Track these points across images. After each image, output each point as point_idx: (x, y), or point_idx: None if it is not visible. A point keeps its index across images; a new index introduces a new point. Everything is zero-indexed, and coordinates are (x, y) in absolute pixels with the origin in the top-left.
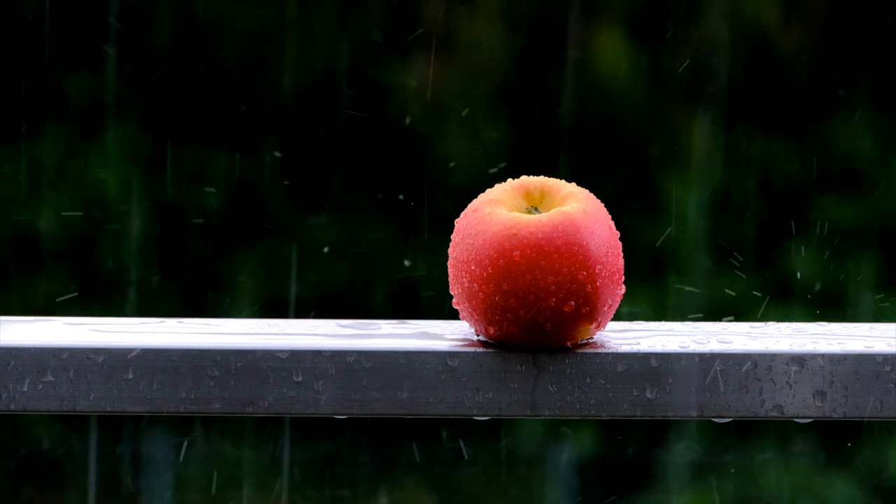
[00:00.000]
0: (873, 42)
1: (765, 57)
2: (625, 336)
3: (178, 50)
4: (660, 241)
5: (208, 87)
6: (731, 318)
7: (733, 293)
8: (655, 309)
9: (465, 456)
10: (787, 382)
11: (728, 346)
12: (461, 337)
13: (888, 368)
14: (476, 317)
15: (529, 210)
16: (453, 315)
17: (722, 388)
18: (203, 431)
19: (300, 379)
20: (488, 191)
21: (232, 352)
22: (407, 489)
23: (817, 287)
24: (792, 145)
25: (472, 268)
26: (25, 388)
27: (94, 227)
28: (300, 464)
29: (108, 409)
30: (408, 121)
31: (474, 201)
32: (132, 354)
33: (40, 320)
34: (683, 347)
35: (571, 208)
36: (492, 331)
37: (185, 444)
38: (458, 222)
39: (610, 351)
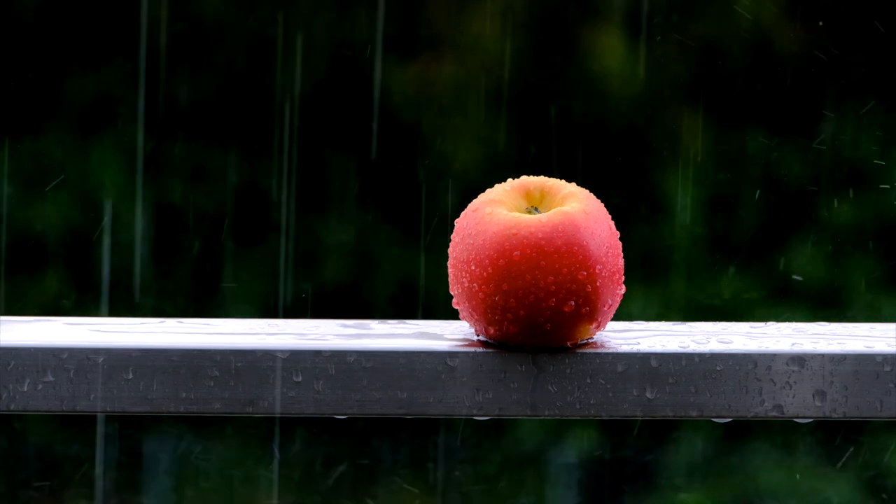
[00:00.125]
0: (874, 41)
1: (765, 56)
2: (625, 336)
3: (178, 50)
4: (659, 241)
5: (208, 87)
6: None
7: (733, 293)
8: (655, 309)
9: (465, 456)
10: (787, 382)
11: (728, 346)
12: (461, 337)
13: (888, 368)
14: (476, 317)
15: (529, 210)
16: (453, 315)
17: (722, 388)
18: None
19: (300, 379)
20: (488, 191)
21: (232, 352)
22: (405, 489)
23: (817, 287)
24: (792, 145)
25: (472, 268)
26: (25, 388)
27: (94, 227)
28: (299, 463)
29: (108, 409)
30: (408, 120)
31: (474, 201)
32: (132, 354)
33: (40, 320)
34: (683, 347)
35: (571, 208)
36: (492, 331)
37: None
38: (458, 222)
39: (610, 351)
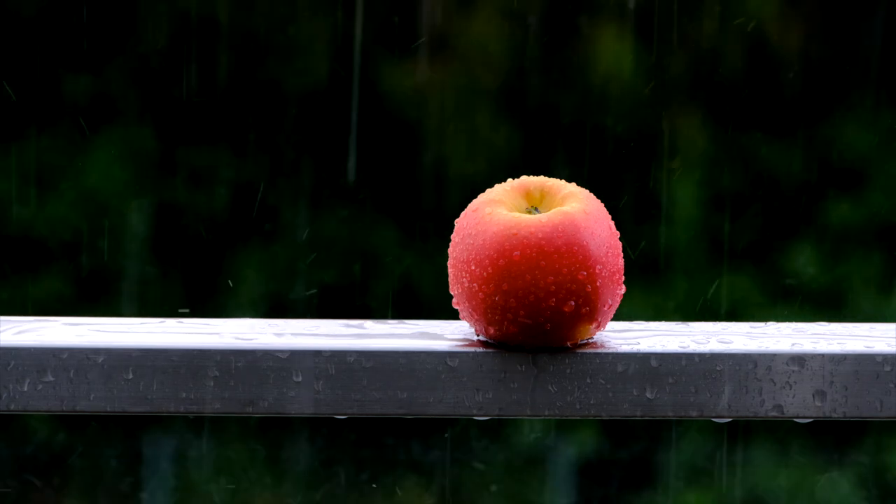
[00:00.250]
0: (873, 41)
1: (765, 56)
2: (625, 336)
3: (178, 50)
4: (659, 242)
5: (208, 87)
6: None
7: (733, 293)
8: (655, 309)
9: (465, 456)
10: (787, 382)
11: (728, 346)
12: (461, 337)
13: (888, 368)
14: (476, 317)
15: (529, 210)
16: (453, 315)
17: (722, 388)
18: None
19: (300, 379)
20: (488, 191)
21: (232, 352)
22: (406, 489)
23: (817, 287)
24: (792, 145)
25: (472, 268)
26: (25, 388)
27: (94, 227)
28: (299, 463)
29: (108, 409)
30: (408, 120)
31: (474, 201)
32: (132, 354)
33: (40, 320)
34: (683, 347)
35: (571, 208)
36: (492, 331)
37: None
38: (458, 222)
39: (610, 351)
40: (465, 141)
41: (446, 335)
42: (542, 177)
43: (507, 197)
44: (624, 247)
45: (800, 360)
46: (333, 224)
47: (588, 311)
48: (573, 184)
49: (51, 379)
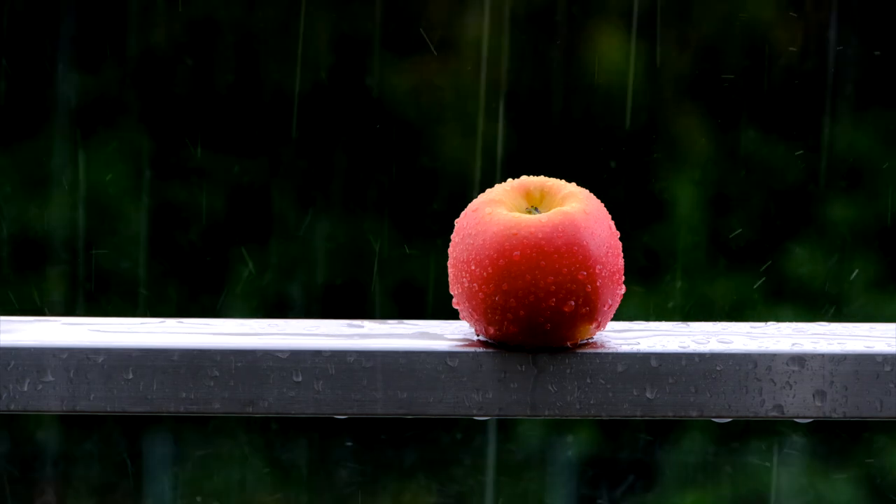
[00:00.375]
0: (873, 40)
1: (765, 56)
2: (625, 336)
3: (178, 50)
4: (659, 242)
5: (208, 86)
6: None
7: (733, 293)
8: (655, 309)
9: (465, 456)
10: (787, 382)
11: (728, 346)
12: (461, 337)
13: (888, 368)
14: (476, 317)
15: (529, 210)
16: (453, 315)
17: (722, 388)
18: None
19: (300, 379)
20: (488, 191)
21: (232, 352)
22: (407, 489)
23: (817, 287)
24: (792, 145)
25: (472, 268)
26: (25, 388)
27: (93, 227)
28: (299, 463)
29: (108, 409)
30: (407, 120)
31: (474, 201)
32: (132, 354)
33: (40, 320)
34: (683, 347)
35: (571, 208)
36: (492, 331)
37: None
38: (458, 222)
39: (610, 351)
40: (465, 141)
41: (446, 335)
42: (542, 177)
43: (507, 197)
44: (624, 247)
45: (800, 360)
46: (333, 224)
47: (588, 311)
48: (573, 184)
49: (51, 379)
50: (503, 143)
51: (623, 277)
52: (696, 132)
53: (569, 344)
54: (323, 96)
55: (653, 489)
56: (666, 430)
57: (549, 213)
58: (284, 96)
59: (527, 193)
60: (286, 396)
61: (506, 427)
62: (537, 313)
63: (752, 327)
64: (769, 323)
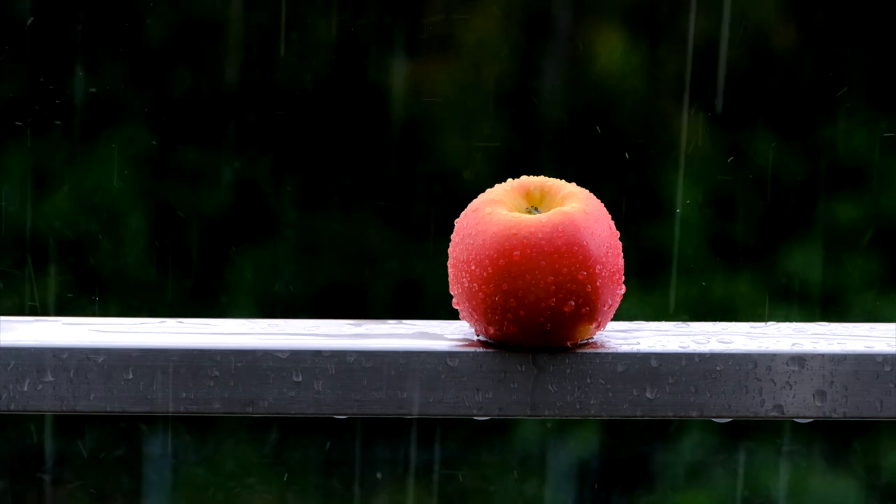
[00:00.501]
0: (873, 40)
1: (764, 55)
2: (625, 336)
3: (178, 50)
4: (659, 242)
5: (208, 86)
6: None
7: (733, 293)
8: (655, 309)
9: (465, 456)
10: (787, 382)
11: (728, 346)
12: (461, 337)
13: (888, 368)
14: (476, 317)
15: (529, 210)
16: (453, 315)
17: (722, 388)
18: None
19: (300, 379)
20: (488, 191)
21: (232, 352)
22: (405, 489)
23: (817, 287)
24: (792, 144)
25: (472, 268)
26: (25, 388)
27: (94, 227)
28: (299, 463)
29: (108, 409)
30: (408, 120)
31: (474, 201)
32: (132, 354)
33: (40, 320)
34: (683, 347)
35: (571, 208)
36: (492, 331)
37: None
38: (458, 222)
39: (610, 351)
40: (465, 140)
41: (446, 335)
42: (542, 177)
43: (507, 197)
44: (623, 246)
45: (800, 360)
46: (333, 224)
47: (588, 311)
48: (573, 184)
49: (51, 379)
50: (503, 143)
51: (623, 277)
52: (697, 132)
53: (569, 344)
54: (323, 96)
55: (653, 489)
56: (666, 430)
57: (549, 213)
58: (285, 95)
59: (527, 193)
60: (286, 396)
61: (505, 427)
62: (537, 313)
63: (752, 327)
64: (769, 323)
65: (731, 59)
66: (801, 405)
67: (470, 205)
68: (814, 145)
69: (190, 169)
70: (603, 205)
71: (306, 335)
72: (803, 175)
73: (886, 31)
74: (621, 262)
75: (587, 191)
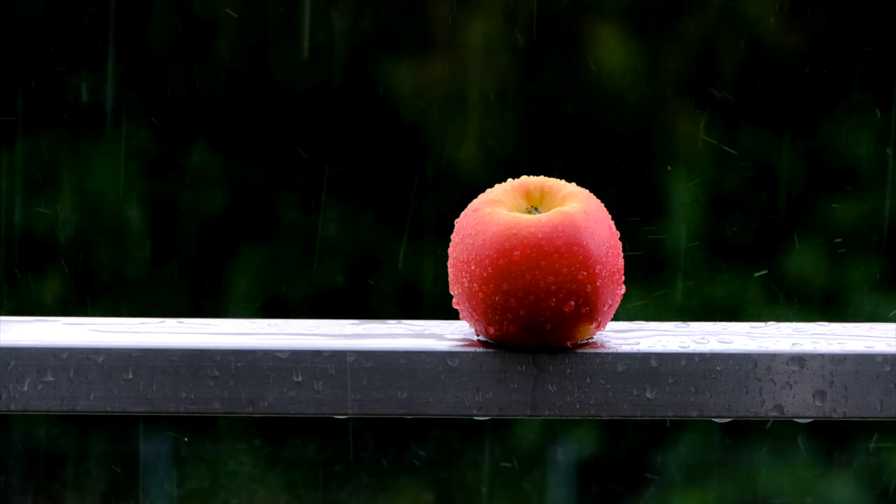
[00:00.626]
0: (873, 41)
1: (765, 56)
2: (625, 336)
3: (177, 50)
4: (659, 242)
5: (208, 86)
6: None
7: (733, 293)
8: (655, 309)
9: (465, 456)
10: (787, 382)
11: (728, 346)
12: (461, 337)
13: (888, 368)
14: (476, 317)
15: (529, 210)
16: (453, 315)
17: (722, 388)
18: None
19: (300, 379)
20: (488, 191)
21: (232, 352)
22: (407, 489)
23: (817, 287)
24: (792, 145)
25: (472, 268)
26: (25, 388)
27: (94, 227)
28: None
29: (108, 409)
30: (409, 120)
31: (474, 201)
32: (132, 354)
33: (40, 320)
34: (683, 347)
35: (571, 208)
36: (492, 331)
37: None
38: (458, 222)
39: (610, 351)
40: (466, 140)
41: (446, 335)
42: (542, 177)
43: (507, 197)
44: (623, 246)
45: (800, 360)
46: (333, 224)
47: (588, 311)
48: (573, 184)
49: (51, 379)
50: (503, 143)
51: (623, 277)
52: (697, 132)
53: (569, 344)
54: (324, 96)
55: (653, 489)
56: (666, 430)
57: (549, 213)
58: (286, 95)
59: (527, 193)
60: (286, 396)
61: (505, 427)
62: (537, 313)
63: (752, 327)
64: (769, 323)
65: (732, 58)
66: (801, 405)
67: (470, 205)
68: (814, 145)
69: (190, 169)
70: (603, 205)
71: (306, 335)
72: (803, 175)
73: (887, 32)
74: (621, 262)
75: (587, 191)
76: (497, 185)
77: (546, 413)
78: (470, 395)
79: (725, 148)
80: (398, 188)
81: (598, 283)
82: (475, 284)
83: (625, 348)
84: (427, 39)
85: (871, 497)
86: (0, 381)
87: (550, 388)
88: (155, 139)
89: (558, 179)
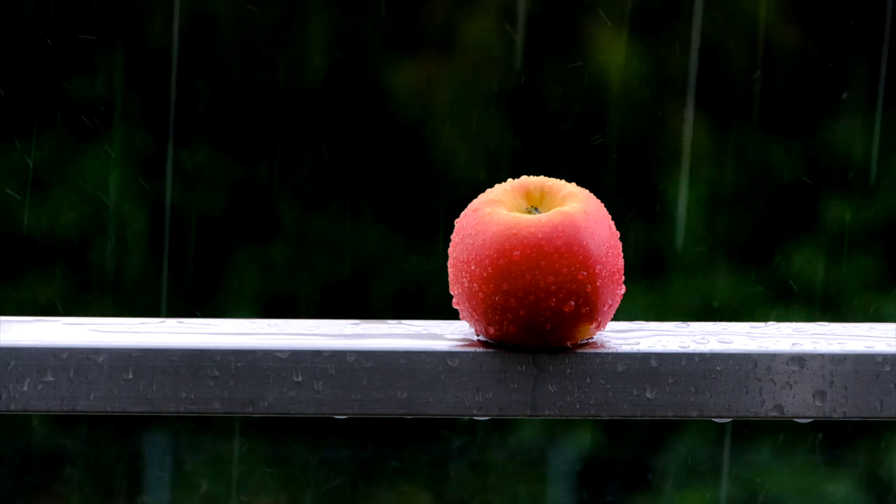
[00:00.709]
0: (873, 41)
1: (765, 56)
2: (625, 336)
3: (178, 50)
4: (659, 242)
5: (208, 86)
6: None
7: (733, 293)
8: (655, 309)
9: (465, 456)
10: (787, 382)
11: (728, 346)
12: (461, 337)
13: (888, 368)
14: (476, 317)
15: (529, 210)
16: (453, 315)
17: (722, 388)
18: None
19: (300, 379)
20: (488, 191)
21: (232, 352)
22: (407, 489)
23: (817, 287)
24: (792, 144)
25: (472, 268)
26: (25, 388)
27: (94, 227)
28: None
29: (108, 409)
30: (408, 120)
31: (474, 201)
32: (132, 354)
33: (40, 320)
34: (683, 347)
35: (571, 208)
36: (492, 331)
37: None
38: (458, 222)
39: (610, 351)
40: (466, 141)
41: (446, 335)
42: (542, 177)
43: (507, 197)
44: (624, 247)
45: (800, 360)
46: (333, 224)
47: (588, 311)
48: (573, 184)
49: (51, 379)
50: (503, 144)
51: (623, 277)
52: (697, 132)
53: (569, 344)
54: (324, 95)
55: (653, 489)
56: (666, 430)
57: (549, 213)
58: (285, 95)
59: (527, 193)
60: (286, 396)
61: (505, 427)
62: (537, 313)
63: (752, 327)
64: (769, 323)
65: (732, 59)
66: (801, 405)
67: (470, 205)
68: (814, 145)
69: (190, 169)
70: (603, 205)
71: (306, 335)
72: (803, 175)
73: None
74: (621, 262)
75: (587, 191)
76: (497, 185)
77: (546, 413)
78: (470, 395)
79: (726, 147)
80: (398, 188)
81: (598, 283)
82: (475, 284)
83: (625, 348)
84: (427, 39)
85: (871, 497)
86: (0, 381)
87: (550, 388)
88: (155, 139)
89: (558, 179)
